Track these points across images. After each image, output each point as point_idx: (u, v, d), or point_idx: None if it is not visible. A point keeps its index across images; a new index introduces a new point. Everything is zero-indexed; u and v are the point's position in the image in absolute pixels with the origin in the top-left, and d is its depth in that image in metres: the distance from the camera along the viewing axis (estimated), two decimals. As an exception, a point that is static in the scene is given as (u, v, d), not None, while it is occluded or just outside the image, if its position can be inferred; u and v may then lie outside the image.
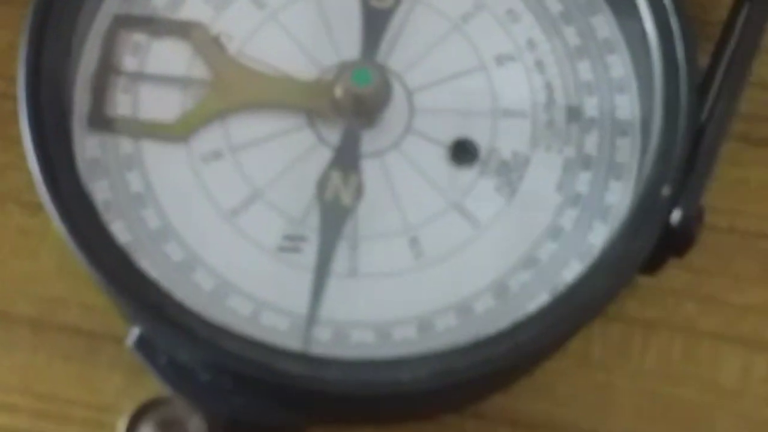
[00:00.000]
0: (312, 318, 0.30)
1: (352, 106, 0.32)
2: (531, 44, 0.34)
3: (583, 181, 0.33)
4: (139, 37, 0.33)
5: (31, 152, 0.29)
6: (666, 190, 0.30)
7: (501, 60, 0.34)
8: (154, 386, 0.29)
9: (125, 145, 0.32)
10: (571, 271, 0.31)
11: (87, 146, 0.32)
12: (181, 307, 0.28)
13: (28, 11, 0.30)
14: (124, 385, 0.32)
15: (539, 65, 0.34)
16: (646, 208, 0.30)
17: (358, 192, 0.31)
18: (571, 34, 0.34)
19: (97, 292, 0.30)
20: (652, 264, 0.30)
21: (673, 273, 0.33)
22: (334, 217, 0.31)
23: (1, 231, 0.34)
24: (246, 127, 0.32)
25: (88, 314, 0.33)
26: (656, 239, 0.29)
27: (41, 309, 0.33)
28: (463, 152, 0.33)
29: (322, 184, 0.31)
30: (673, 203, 0.30)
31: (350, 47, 0.33)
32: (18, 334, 0.33)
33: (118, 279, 0.29)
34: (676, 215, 0.29)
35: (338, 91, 0.32)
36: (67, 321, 0.33)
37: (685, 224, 0.29)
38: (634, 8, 0.33)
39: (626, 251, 0.29)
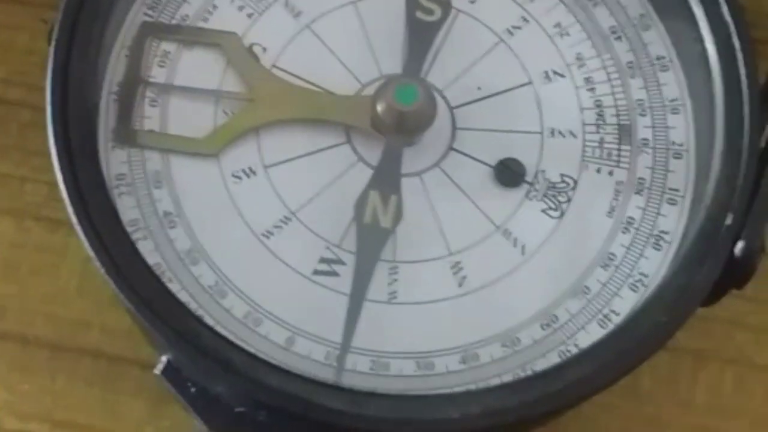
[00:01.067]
0: (346, 346, 0.28)
1: (395, 124, 0.30)
2: (580, 60, 0.32)
3: (635, 206, 0.31)
4: (168, 46, 0.31)
5: (58, 170, 0.27)
6: (729, 220, 0.28)
7: (549, 76, 0.32)
8: (178, 414, 0.28)
9: (153, 160, 0.30)
10: (622, 300, 0.30)
11: (113, 161, 0.30)
12: (216, 335, 0.27)
13: (55, 22, 0.28)
14: (147, 412, 0.31)
15: (589, 82, 0.32)
16: (709, 238, 0.28)
17: (398, 214, 0.30)
18: (622, 50, 0.33)
19: (120, 314, 0.29)
20: (710, 296, 0.29)
21: (724, 301, 0.31)
22: (372, 240, 0.29)
23: (19, 249, 0.32)
24: (280, 144, 0.31)
25: (110, 337, 0.31)
26: (719, 272, 0.28)
27: (61, 331, 0.32)
28: (508, 173, 0.31)
29: (360, 205, 0.30)
30: (736, 233, 0.28)
31: (392, 60, 0.32)
32: (36, 358, 0.31)
33: (148, 304, 0.27)
34: (740, 247, 0.28)
35: (380, 108, 0.30)
36: (88, 344, 0.32)
37: (748, 256, 0.28)
38: (693, 26, 0.31)
39: (688, 284, 0.27)
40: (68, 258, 0.32)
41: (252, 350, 0.28)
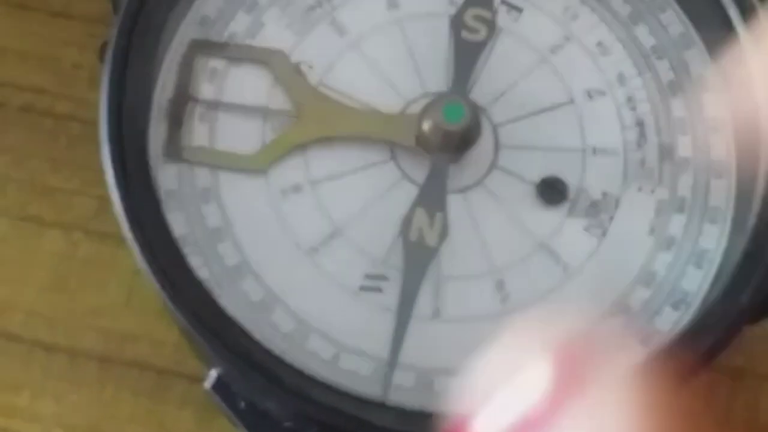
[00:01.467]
0: (393, 363, 0.29)
1: (440, 142, 0.30)
2: (622, 79, 0.33)
3: (676, 225, 0.31)
4: (216, 63, 0.32)
5: (113, 186, 0.28)
6: (774, 240, 0.28)
7: (591, 94, 0.32)
8: (226, 426, 0.28)
9: (202, 176, 0.30)
10: (664, 319, 0.30)
11: (162, 178, 0.30)
12: (266, 351, 0.27)
13: (109, 39, 0.29)
14: (196, 424, 0.31)
15: (630, 101, 0.33)
16: (755, 259, 0.28)
17: (444, 232, 0.30)
18: (663, 68, 0.33)
19: (168, 327, 0.29)
20: (755, 315, 0.29)
21: (762, 318, 0.32)
22: (419, 258, 0.30)
23: (68, 262, 0.33)
24: (327, 161, 0.31)
25: (158, 349, 0.32)
26: (765, 293, 0.28)
27: (109, 344, 0.32)
28: (551, 190, 0.31)
29: (406, 223, 0.30)
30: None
31: (436, 79, 0.32)
32: (85, 370, 0.32)
33: (199, 318, 0.27)
34: (784, 267, 0.28)
35: (426, 126, 0.30)
36: (136, 356, 0.32)
37: (792, 276, 0.28)
38: (736, 45, 0.31)
39: (734, 304, 0.28)
40: (116, 271, 0.32)
41: (299, 365, 0.28)
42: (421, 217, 0.30)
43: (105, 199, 0.32)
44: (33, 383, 0.31)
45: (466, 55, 0.32)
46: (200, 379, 0.29)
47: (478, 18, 0.33)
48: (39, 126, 0.34)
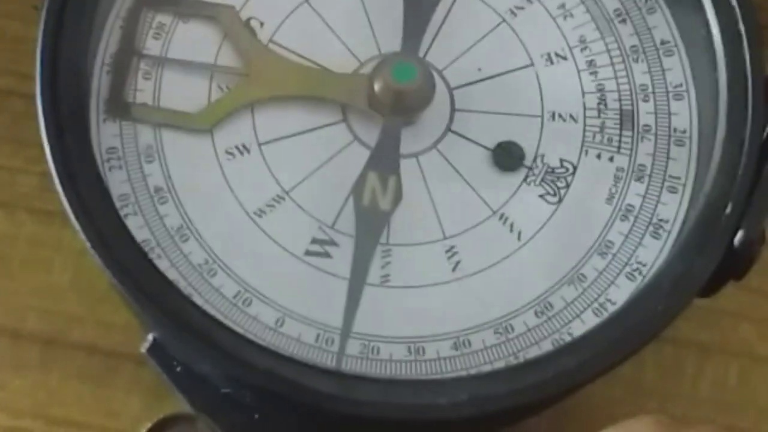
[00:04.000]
0: (346, 331, 0.28)
1: (392, 103, 0.29)
2: (583, 42, 0.32)
3: (634, 194, 0.30)
4: (163, 18, 0.31)
5: (46, 142, 0.27)
6: (729, 209, 0.28)
7: (551, 58, 0.32)
8: (175, 409, 0.27)
9: (145, 134, 0.29)
10: (619, 290, 0.29)
11: (104, 135, 0.29)
12: (203, 314, 0.26)
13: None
14: (142, 408, 0.30)
15: (591, 66, 0.32)
16: (708, 227, 0.28)
17: (397, 196, 0.29)
18: (626, 33, 0.32)
19: (115, 308, 0.29)
20: (709, 286, 0.28)
21: (729, 293, 0.30)
22: (372, 223, 0.29)
23: (12, 241, 0.32)
24: (275, 121, 0.30)
25: (105, 332, 0.31)
26: (718, 261, 0.27)
27: (54, 326, 0.31)
28: (507, 156, 0.30)
29: (358, 186, 0.29)
30: (736, 222, 0.28)
31: (391, 39, 0.31)
32: (29, 353, 0.31)
33: (135, 281, 0.26)
34: (739, 237, 0.27)
35: (377, 86, 0.29)
36: (82, 339, 0.31)
37: (748, 247, 0.27)
38: (699, 11, 0.30)
39: (686, 273, 0.27)
40: (62, 251, 0.31)
41: (241, 331, 0.27)
42: (373, 180, 0.29)
43: (49, 177, 0.31)
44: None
45: (418, 13, 0.31)
46: (148, 363, 0.28)
47: (430, -24, 0.32)
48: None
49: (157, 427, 0.25)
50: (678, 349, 0.32)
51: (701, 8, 0.30)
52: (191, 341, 0.26)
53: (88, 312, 0.31)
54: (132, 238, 0.27)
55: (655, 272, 0.28)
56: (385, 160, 0.29)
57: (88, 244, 0.26)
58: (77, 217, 0.26)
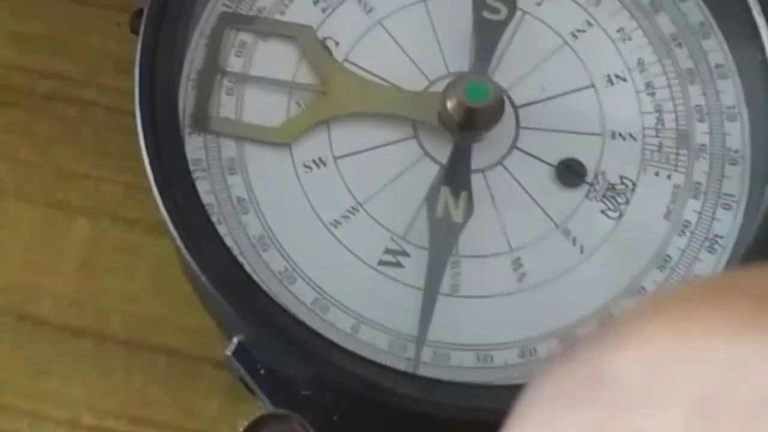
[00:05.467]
0: (421, 339, 0.29)
1: (463, 121, 0.31)
2: (641, 65, 0.33)
3: (691, 210, 0.32)
4: (245, 36, 0.32)
5: (144, 152, 0.28)
6: (786, 226, 0.29)
7: (611, 79, 0.33)
8: (251, 412, 0.28)
9: (228, 147, 0.31)
10: (677, 302, 0.31)
11: (190, 147, 0.31)
12: (290, 316, 0.28)
13: (146, 11, 0.29)
14: (221, 410, 0.31)
15: (649, 87, 0.33)
16: (764, 243, 0.29)
17: (469, 209, 0.30)
18: (682, 56, 0.33)
19: (195, 313, 0.30)
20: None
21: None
22: (445, 235, 0.30)
23: (96, 247, 0.33)
24: (350, 136, 0.32)
25: (185, 336, 0.32)
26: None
27: (137, 329, 0.32)
28: (569, 173, 0.32)
29: (431, 200, 0.31)
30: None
31: (459, 58, 0.33)
32: (112, 356, 0.32)
33: (224, 283, 0.28)
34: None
35: (450, 105, 0.31)
36: (163, 342, 0.32)
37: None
38: (754, 35, 0.32)
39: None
40: (143, 257, 0.33)
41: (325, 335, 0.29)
42: (446, 194, 0.31)
43: (132, 186, 0.32)
44: (62, 368, 0.32)
45: (487, 34, 0.32)
46: (227, 366, 0.29)
47: (499, -2, 0.33)
48: (64, 113, 0.34)
49: (254, 424, 0.26)
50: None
51: (756, 35, 0.32)
52: (278, 342, 0.28)
53: (169, 316, 0.32)
54: (223, 244, 0.29)
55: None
56: (456, 175, 0.31)
57: (182, 248, 0.28)
58: (173, 222, 0.28)
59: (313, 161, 0.31)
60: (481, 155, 0.32)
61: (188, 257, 0.27)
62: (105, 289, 0.32)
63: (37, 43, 0.35)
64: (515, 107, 0.33)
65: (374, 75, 0.32)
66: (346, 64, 0.32)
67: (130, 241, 0.33)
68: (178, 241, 0.27)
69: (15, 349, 0.32)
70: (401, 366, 0.29)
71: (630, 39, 0.34)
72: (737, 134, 0.33)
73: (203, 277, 0.27)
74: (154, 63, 0.29)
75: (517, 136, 0.32)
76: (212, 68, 0.32)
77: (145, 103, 0.28)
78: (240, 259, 0.30)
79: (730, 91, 0.33)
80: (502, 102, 0.31)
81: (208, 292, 0.28)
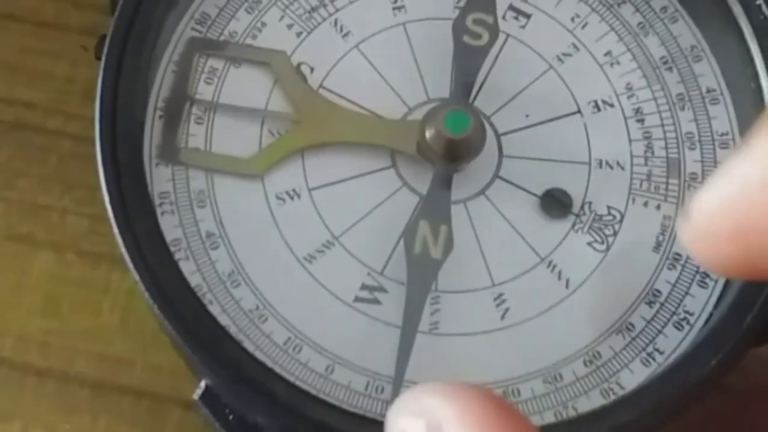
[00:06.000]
0: (399, 379, 0.28)
1: (443, 151, 0.30)
2: (630, 90, 0.32)
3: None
4: (215, 63, 0.31)
5: (104, 187, 0.27)
6: (781, 262, 0.28)
7: (598, 105, 0.32)
8: None
9: (197, 179, 0.30)
10: (667, 339, 0.29)
11: (157, 179, 0.29)
12: (258, 362, 0.26)
13: (108, 37, 0.28)
14: None
15: (638, 113, 0.32)
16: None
17: (448, 245, 0.29)
18: (673, 81, 0.32)
19: (164, 352, 0.28)
20: (761, 336, 0.28)
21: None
22: (423, 271, 0.29)
23: (60, 283, 0.32)
24: (325, 166, 0.30)
25: (153, 375, 0.31)
26: (770, 313, 0.27)
27: (103, 369, 0.31)
28: (554, 203, 0.31)
29: (409, 235, 0.29)
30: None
31: (440, 84, 0.31)
32: (77, 397, 0.31)
33: (188, 327, 0.26)
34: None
35: (429, 134, 0.30)
36: (130, 383, 0.31)
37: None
38: (747, 61, 0.30)
39: (739, 324, 0.27)
40: (110, 293, 0.31)
41: (292, 378, 0.28)
42: (424, 229, 0.29)
43: (97, 218, 0.31)
44: (25, 411, 0.30)
45: (468, 60, 0.31)
46: (196, 408, 0.28)
47: (480, 22, 0.32)
48: (29, 142, 0.33)
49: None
50: (726, 398, 0.32)
51: (750, 60, 0.30)
52: (243, 390, 0.26)
53: (137, 355, 0.31)
54: (187, 284, 0.27)
55: (708, 325, 0.28)
56: (435, 208, 0.29)
57: (144, 290, 0.26)
58: (134, 263, 0.27)
59: (287, 193, 0.30)
60: (462, 185, 0.31)
61: (150, 300, 0.26)
62: (70, 327, 0.31)
63: (1, 70, 0.34)
64: (498, 135, 0.31)
65: (351, 102, 0.31)
66: (322, 91, 0.31)
67: (96, 276, 0.32)
68: (140, 283, 0.26)
69: (-24, 389, 0.31)
70: (378, 408, 0.28)
71: (618, 63, 0.32)
72: (730, 162, 0.31)
73: (166, 322, 0.26)
74: (116, 91, 0.28)
75: (499, 164, 0.31)
76: (181, 96, 0.30)
77: (107, 134, 0.27)
78: (209, 296, 0.28)
79: (723, 118, 0.32)
80: (483, 132, 0.30)
81: (171, 336, 0.26)
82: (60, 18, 0.34)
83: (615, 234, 0.30)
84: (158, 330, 0.29)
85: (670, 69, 0.32)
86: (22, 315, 0.31)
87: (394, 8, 0.32)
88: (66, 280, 0.32)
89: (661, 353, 0.29)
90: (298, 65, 0.31)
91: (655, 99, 0.32)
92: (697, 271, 0.30)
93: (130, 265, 0.27)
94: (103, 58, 0.28)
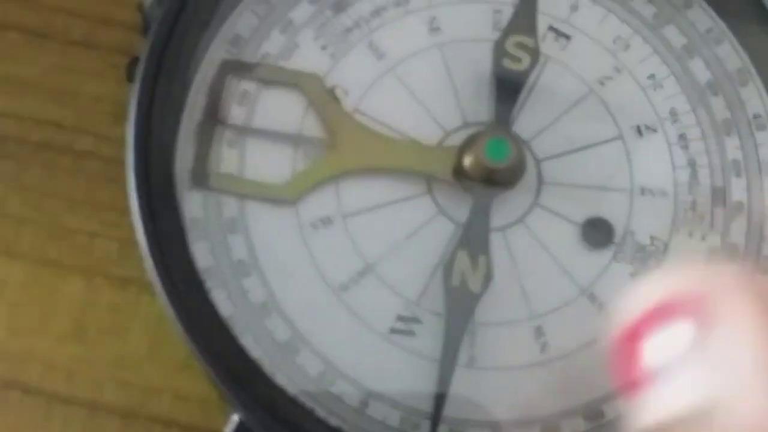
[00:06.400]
0: (437, 416, 0.27)
1: (482, 179, 0.29)
2: (674, 115, 0.31)
3: (728, 274, 0.30)
4: (247, 85, 0.30)
5: (137, 214, 0.26)
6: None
7: (641, 130, 0.31)
8: None
9: (229, 205, 0.29)
10: (712, 374, 0.28)
11: (187, 205, 0.29)
12: (291, 398, 0.26)
13: (140, 62, 0.27)
14: None
15: (682, 139, 0.31)
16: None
17: (488, 276, 0.28)
18: (718, 106, 0.31)
19: (193, 380, 0.28)
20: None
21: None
22: (461, 304, 0.28)
23: (89, 308, 0.31)
24: (360, 192, 0.29)
25: (183, 405, 0.30)
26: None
27: (131, 397, 0.30)
28: (596, 232, 0.30)
29: (447, 266, 0.28)
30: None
31: (477, 108, 0.30)
32: (105, 426, 0.30)
33: (221, 362, 0.26)
34: None
35: (467, 161, 0.29)
36: (159, 412, 0.30)
37: None
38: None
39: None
40: (139, 319, 0.31)
41: (325, 412, 0.27)
42: (463, 260, 0.28)
43: (126, 242, 0.30)
44: (52, 438, 0.30)
45: (509, 85, 0.30)
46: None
47: (521, 46, 0.31)
48: (57, 164, 0.32)
49: None
50: None
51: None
52: (275, 425, 0.26)
53: (166, 383, 0.30)
54: (218, 315, 0.27)
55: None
56: (474, 238, 0.29)
57: (177, 324, 0.26)
58: (166, 293, 0.26)
59: (320, 220, 0.29)
60: (500, 212, 0.30)
61: (182, 332, 0.25)
62: (98, 354, 0.30)
63: (30, 89, 0.33)
64: (537, 160, 0.30)
65: (386, 126, 0.30)
66: (356, 115, 0.30)
67: (125, 301, 0.31)
68: (171, 313, 0.25)
69: (3, 417, 0.30)
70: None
71: (661, 87, 0.31)
72: (777, 191, 0.30)
73: (197, 354, 0.25)
74: (150, 115, 0.27)
75: (539, 191, 0.30)
76: (213, 120, 0.29)
77: (139, 158, 0.26)
78: (240, 326, 0.28)
79: (770, 143, 0.31)
80: (523, 161, 0.29)
81: (203, 369, 0.26)
82: (90, 37, 0.34)
83: (659, 265, 0.30)
84: (188, 358, 0.29)
85: (715, 93, 0.31)
86: (50, 341, 0.31)
87: (430, 29, 0.31)
88: (94, 306, 0.31)
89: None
90: (332, 88, 0.30)
91: (699, 124, 0.31)
92: (743, 304, 0.29)
93: (163, 296, 0.26)
94: (137, 81, 0.27)
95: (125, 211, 0.28)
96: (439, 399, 0.27)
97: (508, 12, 0.31)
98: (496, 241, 0.29)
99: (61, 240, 0.32)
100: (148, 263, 0.26)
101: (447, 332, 0.28)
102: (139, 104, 0.27)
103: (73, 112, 0.33)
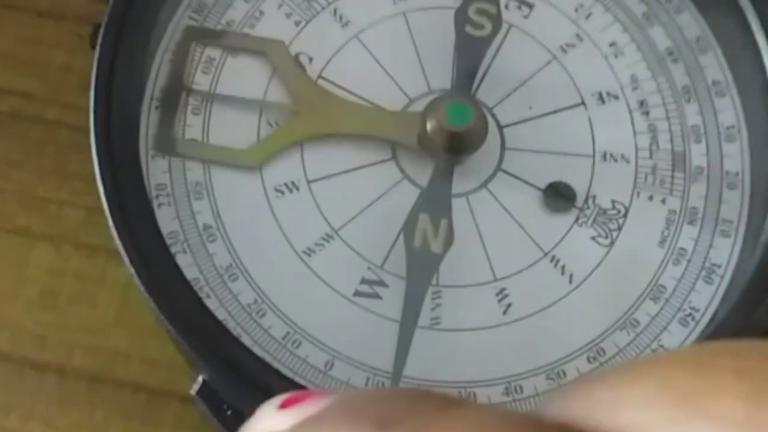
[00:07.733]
0: (397, 375, 0.27)
1: (444, 144, 0.29)
2: (635, 81, 0.31)
3: (687, 237, 0.30)
4: (212, 52, 0.30)
5: (99, 179, 0.26)
6: (789, 257, 0.27)
7: (602, 97, 0.31)
8: None
9: (194, 171, 0.29)
10: (672, 336, 0.29)
11: (153, 171, 0.29)
12: (256, 357, 0.26)
13: (102, 26, 0.27)
14: None
15: (643, 105, 0.31)
16: (766, 274, 0.27)
17: (449, 239, 0.28)
18: (678, 72, 0.32)
19: (161, 344, 0.28)
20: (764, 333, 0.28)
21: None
22: (423, 266, 0.28)
23: (58, 276, 0.31)
24: (324, 158, 0.30)
25: (150, 369, 0.30)
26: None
27: (100, 362, 0.30)
28: (558, 197, 0.30)
29: (409, 228, 0.29)
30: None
31: (441, 75, 0.31)
32: (74, 390, 0.30)
33: (185, 322, 0.26)
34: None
35: (429, 126, 0.29)
36: (127, 376, 0.30)
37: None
38: (754, 53, 0.30)
39: (746, 321, 0.27)
40: (107, 286, 0.31)
41: (290, 373, 0.27)
42: (425, 222, 0.29)
43: (95, 210, 0.30)
44: (22, 405, 0.30)
45: (471, 51, 0.30)
46: (194, 400, 0.27)
47: (483, 12, 0.31)
48: (26, 134, 0.32)
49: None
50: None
51: (757, 51, 0.30)
52: (241, 386, 0.26)
53: (134, 348, 0.30)
54: (183, 278, 0.27)
55: (714, 320, 0.28)
56: (436, 202, 0.29)
57: (140, 285, 0.26)
58: (129, 256, 0.26)
59: (285, 185, 0.29)
60: (463, 178, 0.30)
61: (146, 295, 0.25)
62: (67, 320, 0.30)
63: (-4, 59, 0.33)
64: (500, 127, 0.31)
65: (350, 93, 0.30)
66: (321, 81, 0.30)
67: (93, 268, 0.31)
68: (136, 277, 0.26)
69: (-29, 384, 0.30)
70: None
71: (623, 54, 0.32)
72: (736, 156, 0.31)
73: (162, 316, 0.25)
74: (111, 81, 0.27)
75: (502, 157, 0.30)
76: (177, 86, 0.30)
77: (102, 124, 0.26)
78: (206, 290, 0.28)
79: (729, 110, 0.31)
80: (485, 125, 0.29)
81: (168, 330, 0.26)
82: (57, 7, 0.34)
83: (619, 228, 0.30)
84: (155, 323, 0.29)
85: (675, 60, 0.32)
86: (20, 308, 0.31)
87: (395, -3, 0.32)
88: (63, 273, 0.31)
89: (666, 349, 0.29)
90: (297, 55, 0.31)
91: (660, 91, 0.31)
92: (702, 267, 0.30)
93: (126, 259, 0.26)
94: (98, 48, 0.27)
95: (93, 179, 0.28)
96: (400, 359, 0.27)
97: (471, -20, 0.32)
98: (459, 205, 0.30)
99: (30, 209, 0.32)
100: (113, 228, 0.27)
101: (408, 293, 0.28)
102: (100, 71, 0.27)
103: (42, 83, 0.33)
